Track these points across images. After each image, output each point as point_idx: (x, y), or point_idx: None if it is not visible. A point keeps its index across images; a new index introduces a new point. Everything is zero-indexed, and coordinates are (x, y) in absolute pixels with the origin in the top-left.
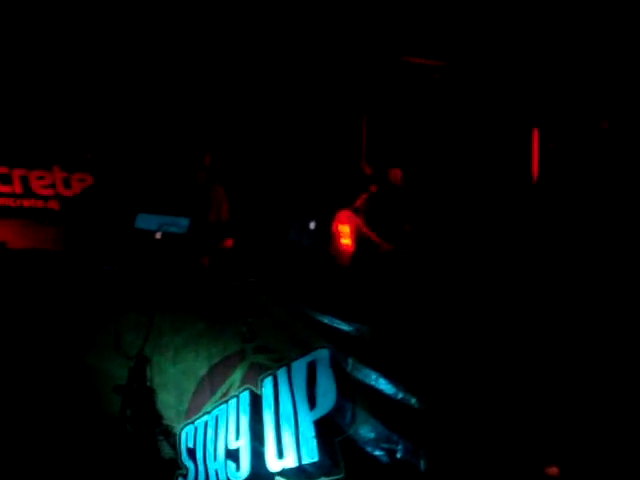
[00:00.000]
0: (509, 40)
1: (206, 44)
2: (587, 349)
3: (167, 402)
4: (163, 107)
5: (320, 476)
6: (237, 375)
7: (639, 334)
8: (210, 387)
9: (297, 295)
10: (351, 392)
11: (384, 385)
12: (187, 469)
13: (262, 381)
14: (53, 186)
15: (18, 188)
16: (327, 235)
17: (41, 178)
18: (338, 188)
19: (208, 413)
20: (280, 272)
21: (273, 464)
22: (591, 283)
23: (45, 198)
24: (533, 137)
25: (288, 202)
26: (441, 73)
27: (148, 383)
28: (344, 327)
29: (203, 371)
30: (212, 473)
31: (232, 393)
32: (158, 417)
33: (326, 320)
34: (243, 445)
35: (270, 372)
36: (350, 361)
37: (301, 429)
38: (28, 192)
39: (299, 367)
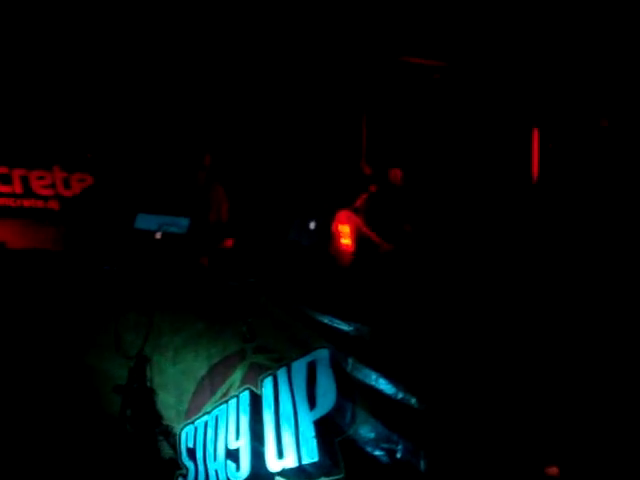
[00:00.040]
0: (508, 40)
1: (206, 44)
2: (587, 349)
3: (167, 402)
4: (163, 107)
5: (320, 476)
6: (237, 375)
7: (639, 334)
8: (210, 387)
9: (297, 295)
10: (351, 392)
11: (384, 385)
12: (187, 469)
13: (262, 381)
14: (53, 186)
15: (18, 188)
16: (327, 235)
17: (41, 178)
18: (338, 188)
19: (208, 413)
20: (280, 272)
21: (273, 464)
22: (591, 283)
23: (45, 198)
24: (533, 137)
25: (288, 202)
26: (441, 73)
27: (148, 383)
28: (344, 327)
29: (203, 371)
30: (212, 473)
31: (232, 393)
32: (158, 417)
33: (326, 320)
34: (243, 445)
35: (270, 372)
36: (350, 361)
37: (301, 429)
38: (28, 192)
39: (299, 367)
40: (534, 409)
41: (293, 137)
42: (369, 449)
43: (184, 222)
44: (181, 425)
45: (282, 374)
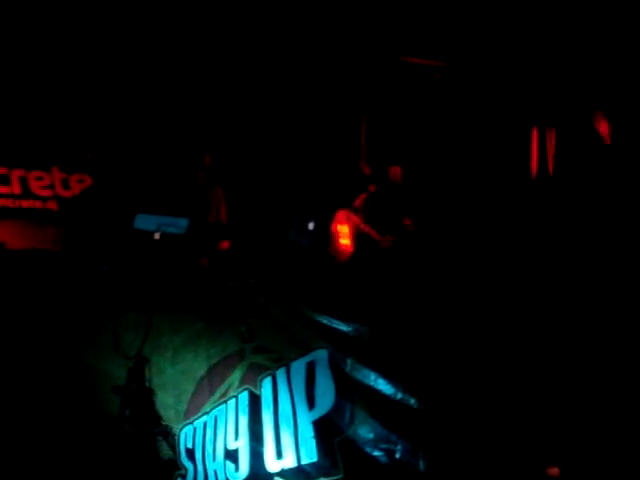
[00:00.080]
0: (508, 40)
1: (206, 45)
2: (587, 349)
3: (166, 402)
4: (163, 108)
5: (319, 476)
6: (236, 375)
7: (639, 334)
8: (209, 387)
9: (296, 295)
10: (350, 392)
11: (383, 385)
12: (186, 469)
13: (261, 381)
14: (52, 187)
15: (17, 189)
16: (326, 235)
17: (40, 179)
18: (337, 188)
19: (207, 413)
20: (279, 273)
21: (272, 464)
22: (590, 283)
23: (44, 199)
24: (532, 136)
25: (287, 202)
26: (441, 73)
27: (147, 383)
28: (343, 327)
29: (202, 371)
30: (211, 473)
31: (231, 393)
32: (157, 417)
33: (325, 320)
34: (242, 445)
35: (269, 372)
36: (349, 361)
37: (300, 429)
38: (27, 193)
39: (298, 367)
40: (534, 409)
41: (293, 137)
42: (368, 449)
43: (183, 223)
44: (180, 425)
45: (281, 374)
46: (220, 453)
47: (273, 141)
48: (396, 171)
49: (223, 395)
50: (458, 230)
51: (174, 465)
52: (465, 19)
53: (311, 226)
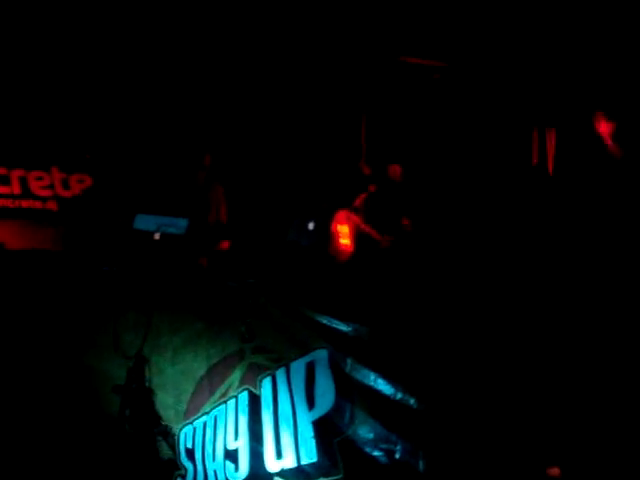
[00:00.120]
0: (508, 40)
1: (206, 44)
2: (587, 350)
3: (166, 402)
4: (162, 108)
5: (319, 476)
6: (236, 375)
7: (639, 334)
8: (209, 387)
9: (296, 296)
10: (350, 392)
11: (383, 385)
12: (186, 469)
13: (261, 381)
14: (52, 187)
15: (17, 189)
16: (326, 235)
17: (40, 179)
18: (337, 188)
19: (207, 413)
20: (279, 273)
21: (272, 464)
22: (591, 283)
23: (44, 199)
24: (533, 136)
25: (287, 202)
26: (441, 73)
27: (147, 383)
28: (343, 327)
29: (202, 371)
30: (211, 473)
31: (231, 393)
32: (157, 417)
33: (325, 321)
34: (242, 445)
35: (269, 372)
36: (349, 361)
37: (300, 429)
38: (27, 193)
39: (298, 367)
40: (534, 409)
41: (293, 137)
42: (368, 449)
43: (183, 223)
44: (180, 425)
45: (281, 374)
46: (220, 453)
47: (273, 141)
48: (396, 170)
49: (223, 395)
50: (458, 230)
51: (174, 465)
52: (465, 19)
53: (311, 226)
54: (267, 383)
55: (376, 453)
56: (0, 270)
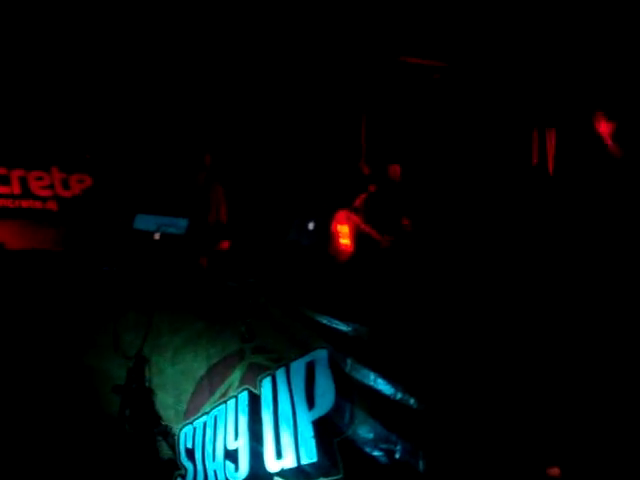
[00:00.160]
0: (508, 40)
1: (206, 44)
2: (587, 350)
3: (166, 402)
4: (162, 108)
5: (319, 476)
6: (236, 375)
7: (639, 334)
8: (209, 387)
9: (296, 296)
10: (350, 392)
11: (383, 385)
12: (186, 469)
13: (261, 381)
14: (52, 187)
15: (17, 189)
16: (326, 235)
17: (40, 179)
18: (337, 188)
19: (207, 413)
20: (279, 273)
21: (272, 464)
22: (591, 283)
23: (44, 199)
24: (533, 136)
25: (287, 202)
26: (441, 73)
27: (147, 383)
28: (343, 327)
29: (202, 371)
30: (211, 473)
31: (231, 393)
32: (157, 417)
33: (325, 320)
34: (242, 445)
35: (269, 372)
36: (349, 361)
37: (300, 429)
38: (27, 193)
39: (298, 367)
40: (535, 409)
41: (293, 137)
42: (368, 449)
43: (183, 223)
44: (180, 425)
45: (281, 374)
46: (220, 453)
47: (273, 141)
48: (395, 169)
49: (223, 395)
50: (457, 230)
51: (174, 465)
52: (465, 19)
53: (311, 226)
54: (267, 383)
55: (376, 453)
56: (0, 270)
